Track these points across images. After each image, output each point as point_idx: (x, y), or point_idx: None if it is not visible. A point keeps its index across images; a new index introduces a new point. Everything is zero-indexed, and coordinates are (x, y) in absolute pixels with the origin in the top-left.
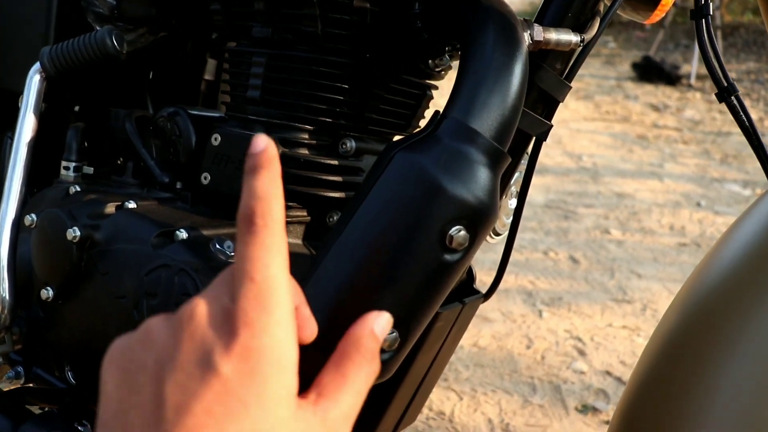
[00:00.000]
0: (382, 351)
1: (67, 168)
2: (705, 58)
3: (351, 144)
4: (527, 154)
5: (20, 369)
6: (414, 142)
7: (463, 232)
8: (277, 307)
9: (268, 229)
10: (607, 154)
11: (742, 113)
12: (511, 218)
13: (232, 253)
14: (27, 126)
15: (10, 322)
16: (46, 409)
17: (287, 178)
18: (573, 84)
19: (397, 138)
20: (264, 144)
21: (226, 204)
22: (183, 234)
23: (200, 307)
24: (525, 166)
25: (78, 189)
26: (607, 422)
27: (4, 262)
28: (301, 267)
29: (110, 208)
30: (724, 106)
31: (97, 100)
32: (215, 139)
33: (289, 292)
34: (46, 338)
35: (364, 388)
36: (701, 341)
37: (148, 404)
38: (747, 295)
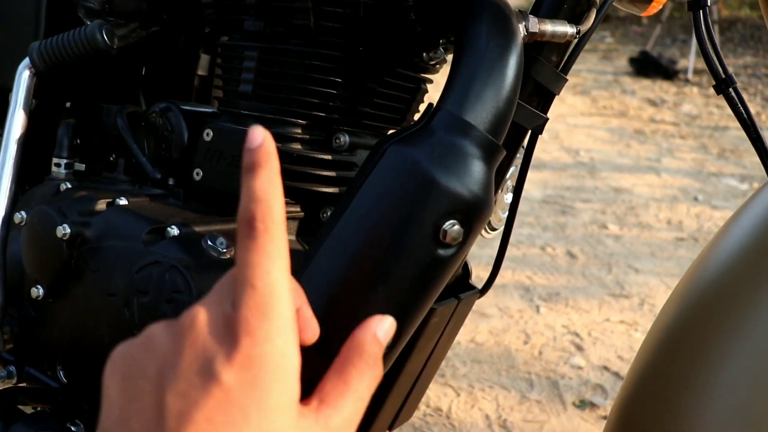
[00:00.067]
0: None
1: (58, 165)
2: (703, 49)
3: (345, 138)
4: (523, 147)
5: (12, 368)
6: (407, 136)
7: (457, 227)
8: (279, 315)
9: (268, 233)
10: (605, 149)
11: (740, 105)
12: (507, 213)
13: (224, 250)
14: (17, 122)
15: (1, 321)
16: (39, 408)
17: (280, 173)
18: (570, 79)
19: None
20: (261, 138)
21: (219, 200)
22: (174, 230)
23: (201, 315)
24: (521, 160)
25: (69, 186)
26: (604, 417)
27: None
28: (294, 263)
29: (101, 205)
30: (721, 101)
31: (88, 96)
32: (207, 134)
33: (291, 298)
34: (38, 337)
35: (367, 394)
36: (699, 336)
37: (149, 412)
38: (744, 290)
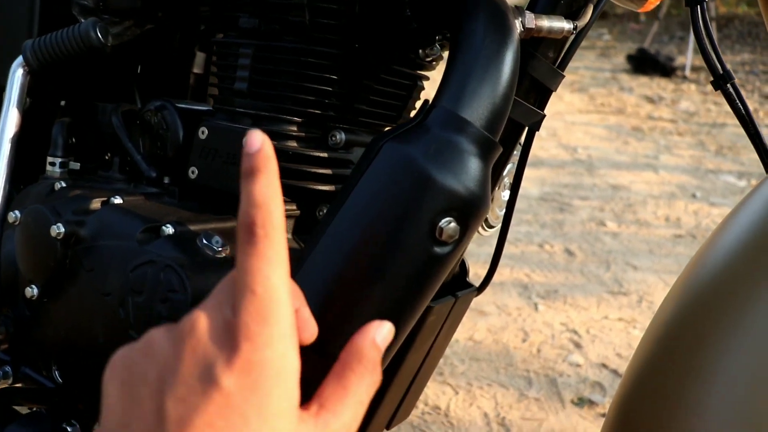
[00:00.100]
0: None
1: (52, 164)
2: (700, 45)
3: (341, 136)
4: (520, 144)
5: (8, 369)
6: (402, 132)
7: (453, 224)
8: (279, 320)
9: (268, 239)
10: (602, 146)
11: (738, 101)
12: (504, 210)
13: (220, 249)
14: (10, 121)
15: None
16: (34, 409)
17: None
18: (567, 76)
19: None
20: (259, 142)
21: (215, 198)
22: (169, 229)
23: (201, 320)
24: (518, 158)
25: (63, 185)
26: (603, 415)
27: None
28: (290, 262)
29: (95, 204)
30: (719, 98)
31: (83, 95)
32: (202, 132)
33: (290, 303)
34: (33, 337)
35: (366, 399)
36: (697, 333)
37: (150, 417)
38: (743, 286)
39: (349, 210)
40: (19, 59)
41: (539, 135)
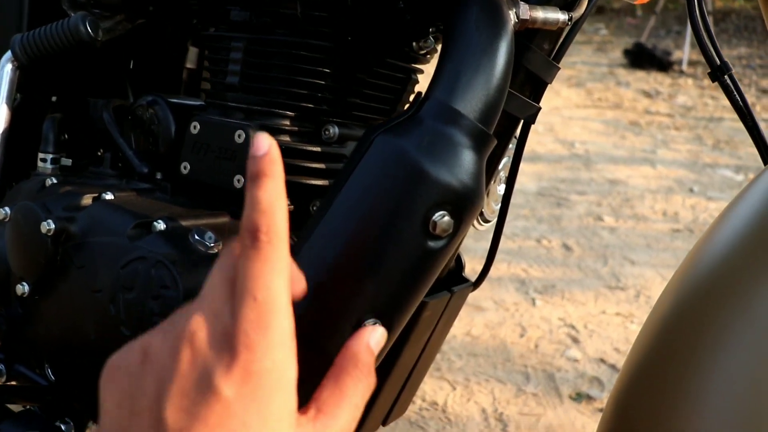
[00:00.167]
0: None
1: (44, 160)
2: (697, 36)
3: (334, 130)
4: (515, 138)
5: (1, 367)
6: (395, 125)
7: (447, 218)
8: (278, 328)
9: (272, 246)
10: (600, 140)
11: (735, 92)
12: (500, 204)
13: (212, 244)
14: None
15: None
16: (28, 407)
17: None
18: (564, 71)
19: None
20: (267, 146)
21: (207, 194)
22: (161, 225)
23: (200, 327)
24: (513, 151)
25: (54, 181)
26: (601, 410)
27: None
28: None
29: (86, 200)
30: (716, 92)
31: (75, 91)
32: (194, 127)
33: (290, 310)
34: (24, 335)
35: (362, 402)
36: (695, 327)
37: (149, 428)
38: (740, 280)
39: (341, 204)
40: (8, 54)
41: (536, 130)
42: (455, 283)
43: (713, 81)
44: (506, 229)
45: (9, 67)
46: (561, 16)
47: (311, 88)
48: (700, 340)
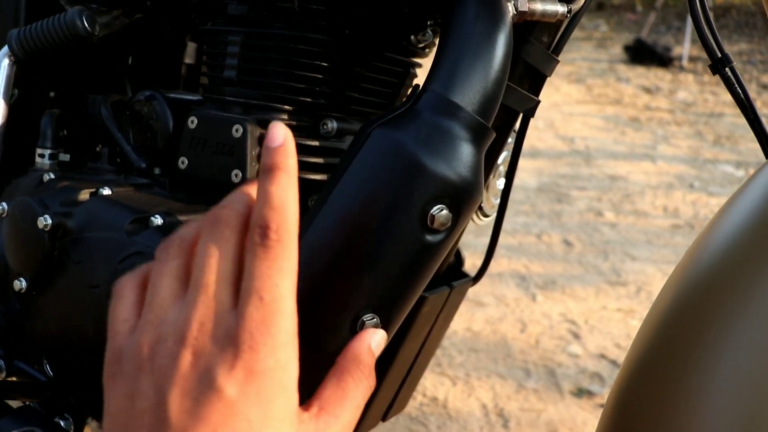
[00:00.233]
0: None
1: (42, 156)
2: (698, 29)
3: (332, 124)
4: (514, 131)
5: (1, 363)
6: (392, 118)
7: (445, 212)
8: (282, 329)
9: (281, 245)
10: (600, 136)
11: (737, 85)
12: (500, 199)
13: None
14: None
15: None
16: (27, 403)
17: None
18: (565, 67)
19: None
20: (282, 137)
21: (205, 188)
22: (158, 220)
23: (203, 326)
24: (513, 145)
25: (52, 176)
26: (602, 405)
27: None
28: None
29: (84, 195)
30: (716, 87)
31: (73, 86)
32: (192, 122)
33: (295, 311)
34: (23, 330)
35: (362, 402)
36: (696, 322)
37: (151, 429)
38: (741, 275)
39: (338, 199)
40: (5, 49)
41: (536, 126)
42: (455, 278)
43: (714, 74)
44: (507, 225)
45: (6, 62)
46: (560, 8)
47: (309, 82)
48: (701, 335)
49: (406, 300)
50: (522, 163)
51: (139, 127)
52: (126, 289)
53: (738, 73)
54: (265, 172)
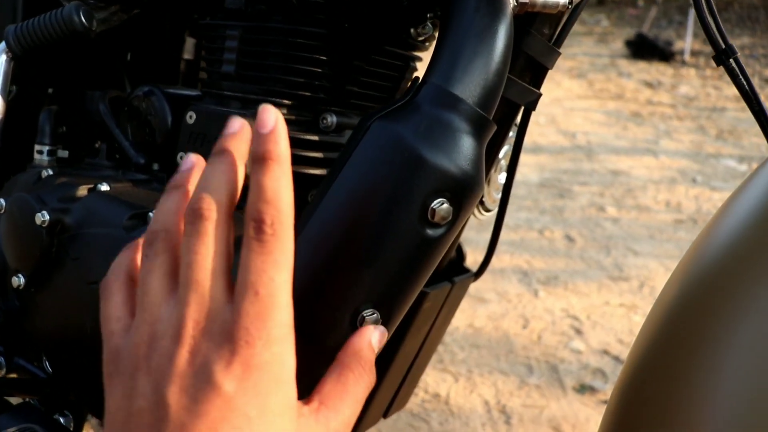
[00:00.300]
0: None
1: (40, 152)
2: (701, 19)
3: (332, 119)
4: (516, 125)
5: (1, 359)
6: (392, 111)
7: (446, 205)
8: (278, 322)
9: (276, 238)
10: (602, 131)
11: (741, 77)
12: (501, 193)
13: None
14: None
15: None
16: (27, 400)
17: None
18: (566, 62)
19: None
20: (272, 121)
21: None
22: None
23: (198, 324)
24: (514, 139)
25: (50, 173)
26: (605, 402)
27: None
28: None
29: (82, 191)
30: (718, 82)
31: (71, 82)
32: (190, 117)
33: (290, 304)
34: (22, 327)
35: (362, 398)
36: (700, 318)
37: (150, 428)
38: (745, 270)
39: (337, 193)
40: (2, 45)
41: (538, 121)
42: (456, 273)
43: (718, 65)
44: (509, 221)
45: (3, 58)
46: None
47: (308, 76)
48: (706, 331)
49: (407, 295)
50: (524, 158)
51: (137, 123)
52: (113, 287)
53: (742, 64)
54: (257, 161)
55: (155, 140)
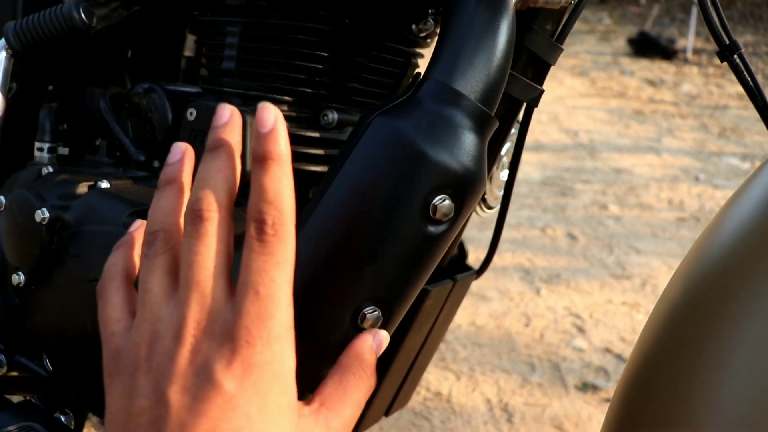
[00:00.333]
0: None
1: (40, 149)
2: (705, 14)
3: (333, 115)
4: (518, 122)
5: (2, 357)
6: (393, 106)
7: (447, 202)
8: (279, 322)
9: (278, 239)
10: (604, 129)
11: (746, 73)
12: (503, 191)
13: None
14: None
15: None
16: (27, 398)
17: None
18: (568, 60)
19: None
20: (271, 120)
21: None
22: None
23: (198, 324)
24: (516, 136)
25: (50, 170)
26: (607, 400)
27: None
28: None
29: (82, 189)
30: (721, 80)
31: (72, 79)
32: (190, 113)
33: (291, 303)
34: (22, 325)
35: (363, 401)
36: (703, 317)
37: (150, 427)
38: (748, 268)
39: (338, 189)
40: (2, 42)
41: (540, 119)
42: (458, 270)
43: (722, 61)
44: (511, 219)
45: (3, 55)
46: None
47: (309, 73)
48: (710, 330)
49: (408, 292)
50: (526, 156)
51: (137, 120)
52: (111, 289)
53: (747, 60)
54: (257, 162)
55: (156, 137)
